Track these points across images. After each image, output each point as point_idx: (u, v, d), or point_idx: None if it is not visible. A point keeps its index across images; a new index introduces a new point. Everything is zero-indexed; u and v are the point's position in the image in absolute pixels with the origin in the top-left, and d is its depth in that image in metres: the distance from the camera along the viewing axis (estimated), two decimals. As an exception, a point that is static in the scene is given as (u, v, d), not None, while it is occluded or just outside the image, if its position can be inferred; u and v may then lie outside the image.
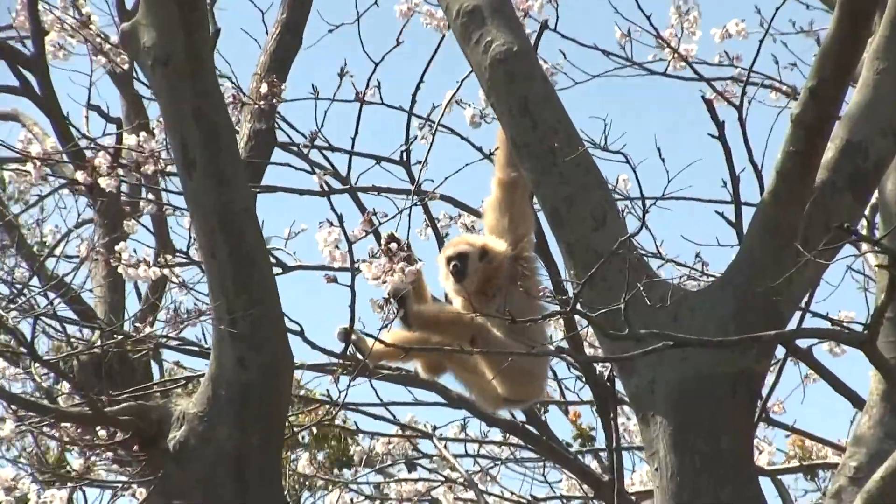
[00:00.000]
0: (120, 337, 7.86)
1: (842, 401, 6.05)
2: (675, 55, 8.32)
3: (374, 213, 6.68)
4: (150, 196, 8.64)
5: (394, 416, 8.60)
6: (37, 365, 7.15)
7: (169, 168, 7.38)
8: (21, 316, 6.55)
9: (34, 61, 8.71)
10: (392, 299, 6.20)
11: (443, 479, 9.50)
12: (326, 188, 7.66)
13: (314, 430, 9.91)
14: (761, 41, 6.42)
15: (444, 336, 6.52)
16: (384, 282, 6.08)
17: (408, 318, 6.46)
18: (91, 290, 8.84)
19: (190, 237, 8.08)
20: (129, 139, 7.36)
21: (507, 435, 8.98)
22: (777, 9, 6.86)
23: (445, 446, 8.85)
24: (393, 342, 6.49)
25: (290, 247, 7.98)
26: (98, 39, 8.62)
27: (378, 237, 6.74)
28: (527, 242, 6.79)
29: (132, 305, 9.21)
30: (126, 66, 8.68)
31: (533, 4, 8.27)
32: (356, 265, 6.18)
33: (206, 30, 5.64)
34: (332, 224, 6.67)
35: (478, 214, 7.78)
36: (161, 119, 6.22)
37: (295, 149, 8.15)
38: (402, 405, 8.36)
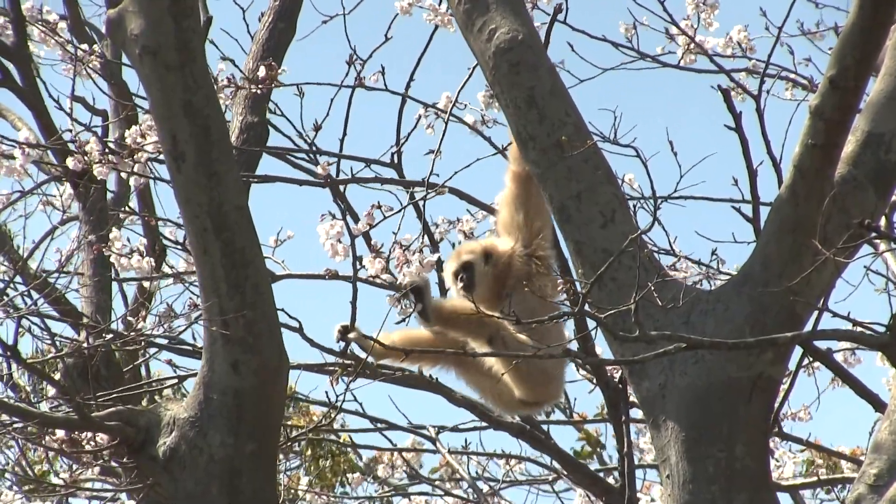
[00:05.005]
0: (108, 336, 7.67)
1: (858, 411, 5.91)
2: (693, 45, 8.14)
3: (379, 206, 6.52)
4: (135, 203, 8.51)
5: (390, 441, 8.54)
6: (20, 368, 6.96)
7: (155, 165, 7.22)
8: (3, 316, 6.34)
9: (15, 51, 8.50)
10: (409, 293, 6.05)
11: (443, 492, 9.41)
12: (316, 184, 7.51)
13: (308, 450, 9.80)
14: (780, 29, 6.25)
15: (462, 333, 6.41)
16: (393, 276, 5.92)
17: (426, 311, 6.27)
18: (77, 290, 8.65)
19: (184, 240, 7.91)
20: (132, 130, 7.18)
21: (509, 450, 8.94)
22: (790, 8, 6.69)
23: (449, 453, 8.73)
24: (396, 342, 6.31)
25: (277, 254, 7.81)
26: (69, 47, 8.47)
27: (369, 239, 6.62)
28: (542, 239, 6.64)
29: (119, 307, 9.06)
30: (98, 71, 8.52)
31: (538, -3, 8.09)
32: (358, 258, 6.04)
33: (196, 18, 5.50)
34: (334, 217, 6.53)
35: (488, 209, 7.62)
36: (150, 111, 6.03)
37: (284, 152, 7.99)
38: (398, 430, 8.28)
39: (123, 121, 8.44)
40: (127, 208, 9.23)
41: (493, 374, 6.57)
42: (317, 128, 7.58)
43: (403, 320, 6.19)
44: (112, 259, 7.38)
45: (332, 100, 7.60)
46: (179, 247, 7.92)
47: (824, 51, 8.59)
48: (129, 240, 7.43)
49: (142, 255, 7.36)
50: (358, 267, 6.46)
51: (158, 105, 5.43)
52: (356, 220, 6.90)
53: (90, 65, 8.54)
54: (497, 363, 6.50)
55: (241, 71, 7.67)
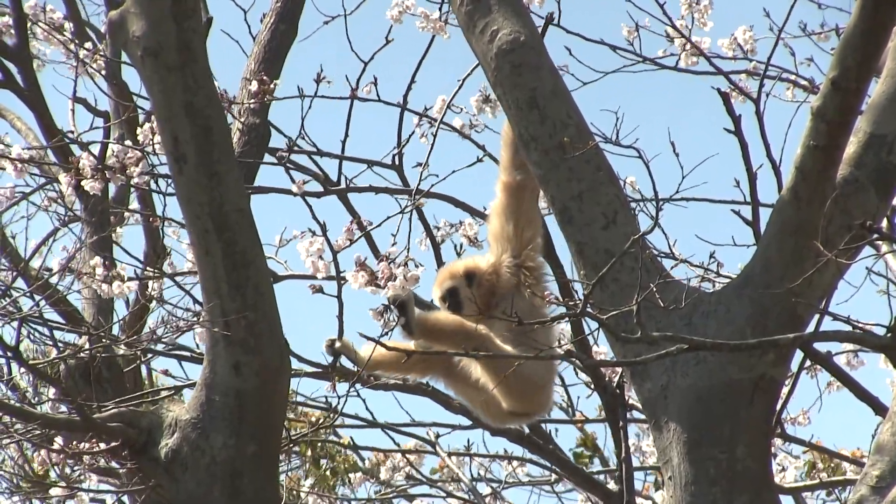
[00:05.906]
0: (108, 341, 7.66)
1: (860, 414, 5.90)
2: (691, 46, 8.11)
3: (359, 223, 6.48)
4: (137, 205, 8.49)
5: (394, 441, 8.52)
6: (22, 370, 6.94)
7: (158, 168, 7.20)
8: (5, 318, 6.32)
9: (17, 52, 8.49)
10: (392, 306, 6.02)
11: (445, 494, 9.40)
12: (312, 194, 7.47)
13: (308, 452, 9.78)
14: (780, 31, 6.25)
15: (447, 346, 6.34)
16: (381, 287, 5.89)
17: (409, 325, 6.25)
18: (79, 291, 8.63)
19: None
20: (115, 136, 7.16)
21: (511, 451, 8.90)
22: (791, 8, 6.67)
23: (449, 456, 8.72)
24: (385, 354, 6.28)
25: (280, 255, 7.79)
26: (72, 46, 8.47)
27: (371, 241, 6.59)
28: (532, 249, 6.60)
29: (122, 308, 9.03)
30: (102, 71, 8.51)
31: (532, -1, 8.08)
32: (342, 274, 6.00)
33: (197, 19, 5.50)
34: (314, 234, 6.49)
35: (480, 215, 7.61)
36: (152, 112, 6.03)
37: (282, 155, 7.97)
38: (401, 426, 8.27)
39: (124, 122, 8.43)
40: (126, 213, 9.21)
41: (481, 387, 6.53)
42: (291, 147, 7.55)
43: (386, 334, 6.17)
44: (94, 286, 7.33)
45: (304, 116, 7.57)
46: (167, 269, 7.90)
47: (826, 51, 8.58)
48: (108, 264, 7.36)
49: (122, 281, 7.31)
50: (342, 282, 6.43)
51: (160, 106, 5.44)
52: (356, 218, 6.87)
53: (93, 65, 8.52)
54: (484, 375, 6.47)
55: (224, 94, 7.62)
